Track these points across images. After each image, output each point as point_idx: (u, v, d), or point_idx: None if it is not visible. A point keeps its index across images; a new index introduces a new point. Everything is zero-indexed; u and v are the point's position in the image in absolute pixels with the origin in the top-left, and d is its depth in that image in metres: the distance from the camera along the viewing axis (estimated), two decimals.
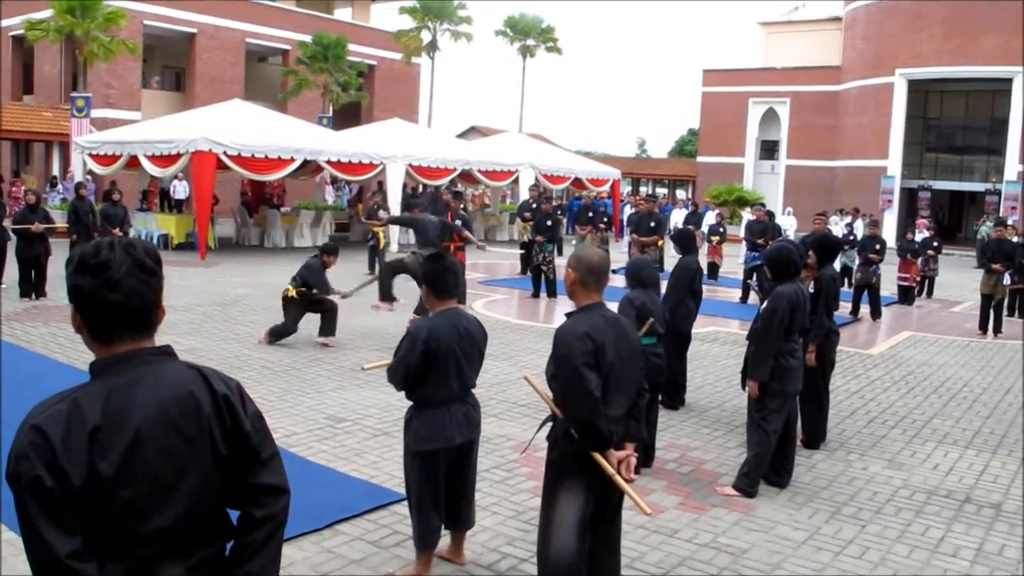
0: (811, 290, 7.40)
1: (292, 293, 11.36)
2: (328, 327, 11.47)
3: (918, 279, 19.76)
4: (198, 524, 2.15)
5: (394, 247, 24.28)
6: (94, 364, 2.14)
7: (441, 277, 4.80)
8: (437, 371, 4.66)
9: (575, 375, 3.89)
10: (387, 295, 11.57)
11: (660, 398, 7.91)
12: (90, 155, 23.95)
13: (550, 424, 4.26)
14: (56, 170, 32.13)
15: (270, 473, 2.26)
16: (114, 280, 2.09)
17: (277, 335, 11.39)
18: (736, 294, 18.21)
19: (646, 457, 6.85)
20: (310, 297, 11.38)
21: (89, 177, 24.99)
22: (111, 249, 2.12)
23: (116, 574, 2.02)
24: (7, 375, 9.12)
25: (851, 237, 19.96)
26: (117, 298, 2.09)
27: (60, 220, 18.86)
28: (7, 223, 15.11)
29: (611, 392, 3.98)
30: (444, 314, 4.78)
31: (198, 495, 2.13)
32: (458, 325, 4.76)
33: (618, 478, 3.95)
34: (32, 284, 14.16)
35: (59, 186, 30.35)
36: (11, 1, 36.06)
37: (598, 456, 3.96)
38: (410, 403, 4.86)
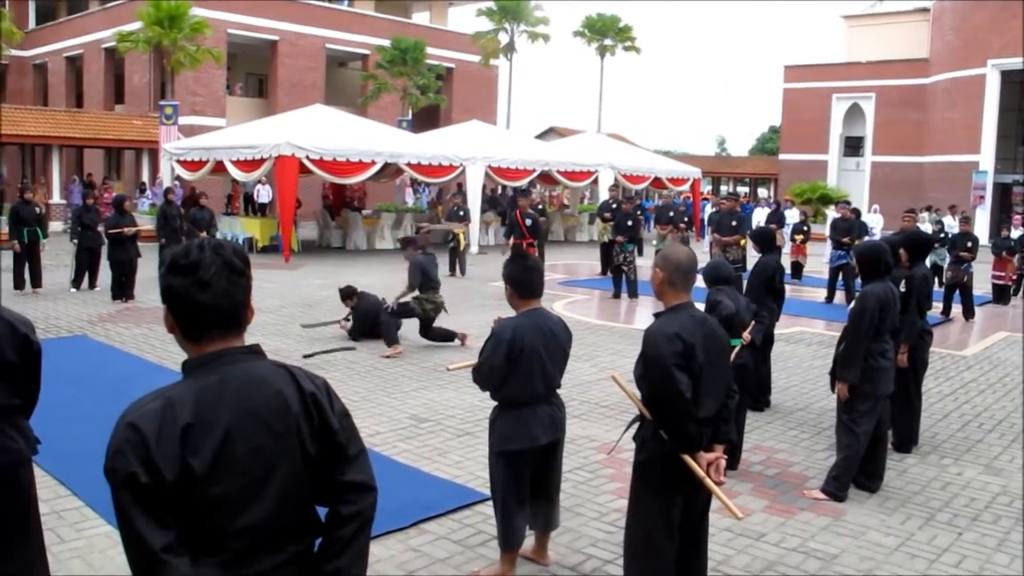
0: (902, 289, 7.21)
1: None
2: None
3: (1014, 277, 19.08)
4: (287, 520, 2.18)
5: (474, 248, 24.41)
6: (186, 363, 2.19)
7: (525, 277, 4.79)
8: (521, 371, 4.65)
9: (665, 376, 3.85)
10: (393, 340, 11.15)
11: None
12: (178, 161, 24.64)
13: (637, 425, 4.22)
14: (146, 176, 33.12)
15: (357, 470, 2.28)
16: (204, 280, 2.13)
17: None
18: (821, 294, 17.84)
19: (732, 459, 6.74)
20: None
21: (177, 183, 25.70)
22: (201, 250, 2.17)
23: (208, 568, 2.06)
24: (102, 374, 9.44)
25: (942, 235, 19.37)
26: (207, 298, 2.14)
27: (149, 225, 19.46)
28: (100, 228, 15.65)
29: (701, 393, 3.93)
30: (528, 314, 4.77)
31: (287, 492, 2.16)
32: (542, 325, 4.74)
33: (708, 481, 3.90)
34: (123, 287, 14.62)
35: (148, 192, 31.28)
36: (102, 14, 37.34)
37: (687, 458, 3.91)
38: (494, 404, 4.87)
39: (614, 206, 19.71)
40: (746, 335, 6.84)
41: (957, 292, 16.03)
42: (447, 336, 11.52)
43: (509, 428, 4.70)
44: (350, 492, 2.26)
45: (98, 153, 38.02)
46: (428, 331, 11.52)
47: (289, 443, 2.16)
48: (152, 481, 2.00)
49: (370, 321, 11.59)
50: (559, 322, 4.89)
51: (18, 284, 15.23)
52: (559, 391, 4.93)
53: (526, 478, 4.76)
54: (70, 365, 9.90)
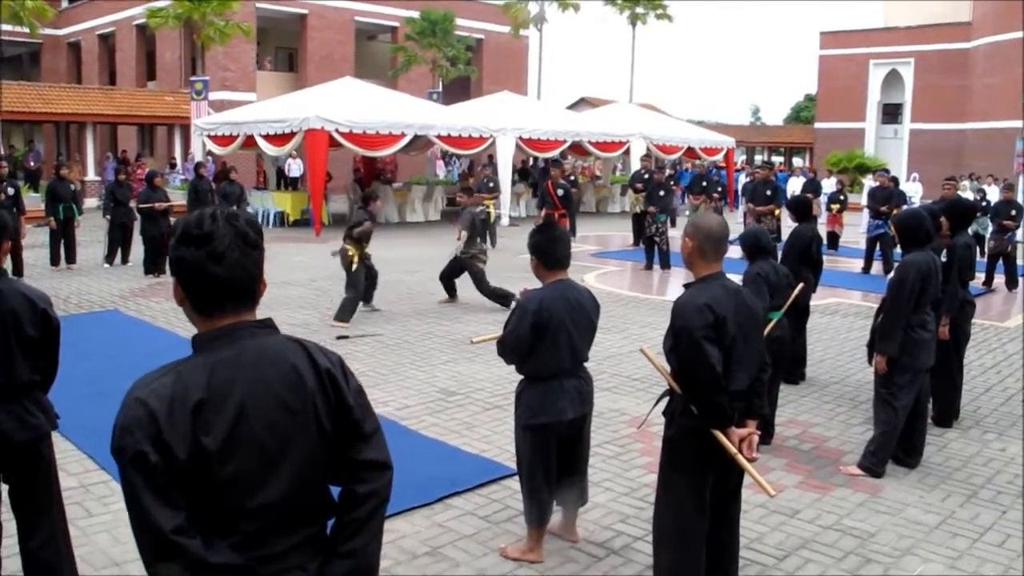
0: (943, 259, 6.99)
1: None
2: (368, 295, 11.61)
3: None
4: (302, 500, 2.11)
5: (505, 220, 24.30)
6: (197, 337, 2.11)
7: (551, 247, 4.68)
8: (547, 344, 4.55)
9: (695, 349, 3.74)
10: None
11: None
12: (209, 136, 24.70)
13: (667, 399, 4.12)
14: (178, 152, 33.26)
15: (372, 448, 2.21)
16: (218, 252, 2.04)
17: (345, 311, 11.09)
18: (858, 264, 17.54)
19: (765, 434, 6.61)
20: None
21: (209, 157, 25.78)
22: (214, 220, 2.07)
23: (220, 550, 1.98)
24: (133, 348, 9.47)
25: (984, 203, 18.95)
26: (220, 271, 2.04)
27: (181, 200, 19.52)
28: (132, 204, 15.72)
29: (732, 367, 3.82)
30: (555, 285, 4.67)
31: (302, 470, 2.09)
32: (569, 296, 4.64)
33: (740, 457, 3.79)
34: (155, 262, 14.69)
35: (179, 167, 31.41)
36: None
37: (718, 434, 3.81)
38: (521, 376, 4.78)
39: (646, 176, 19.56)
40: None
41: (1000, 262, 15.66)
42: (504, 297, 11.79)
43: (535, 402, 4.62)
44: (366, 471, 2.19)
45: (131, 130, 38.27)
46: (482, 284, 11.95)
47: (305, 420, 2.09)
48: (162, 460, 1.92)
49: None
50: (587, 293, 4.78)
51: (54, 260, 15.35)
52: (587, 364, 4.83)
53: (553, 453, 4.68)
54: (101, 339, 9.98)
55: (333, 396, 2.14)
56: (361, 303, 11.38)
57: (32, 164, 33.09)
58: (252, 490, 2.01)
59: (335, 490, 2.22)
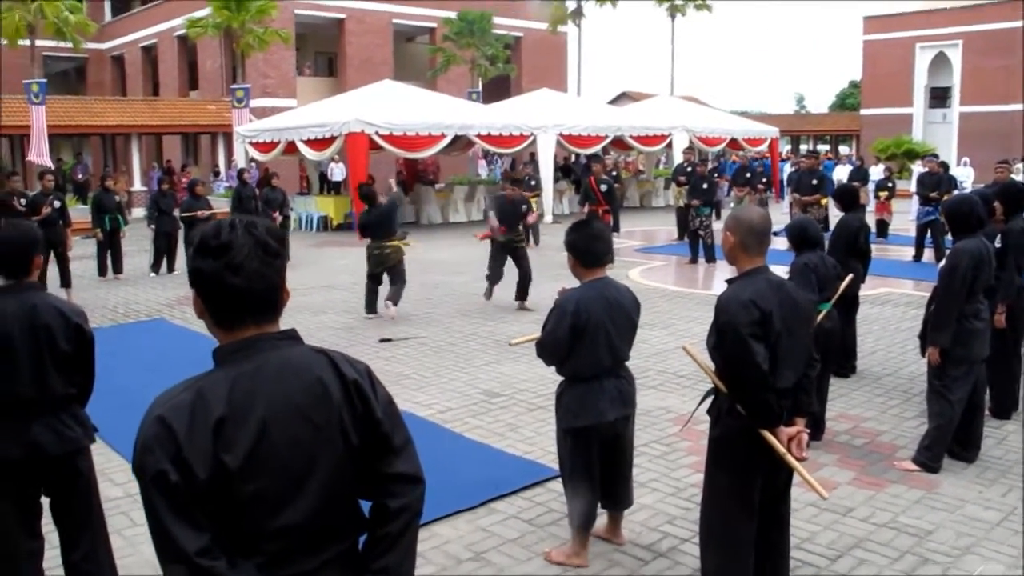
0: (997, 245, 6.77)
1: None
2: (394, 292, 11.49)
3: None
4: (330, 518, 2.05)
5: (548, 218, 24.21)
6: (217, 351, 2.06)
7: (588, 245, 4.60)
8: (587, 344, 4.48)
9: (740, 346, 3.65)
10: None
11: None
12: (251, 143, 24.93)
13: (712, 398, 4.04)
14: (221, 160, 33.64)
15: (403, 461, 2.14)
16: (236, 263, 1.98)
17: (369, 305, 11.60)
18: (908, 252, 17.19)
19: (816, 429, 6.46)
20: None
21: (252, 164, 26.01)
22: (232, 230, 2.02)
23: (246, 571, 1.93)
24: (178, 356, 9.53)
25: None
26: (239, 282, 1.99)
27: (226, 207, 19.70)
28: (176, 213, 15.90)
29: (779, 364, 3.72)
30: (592, 284, 4.59)
31: (329, 487, 2.03)
32: (608, 295, 4.56)
33: (789, 457, 3.70)
34: None
35: (222, 175, 31.73)
36: (174, 3, 37.89)
37: (766, 434, 3.71)
38: (561, 377, 4.72)
39: (689, 169, 19.40)
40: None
41: None
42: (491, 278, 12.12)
43: (575, 403, 4.55)
44: (397, 485, 2.13)
45: (175, 139, 38.78)
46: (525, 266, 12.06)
47: (330, 434, 2.03)
48: (183, 480, 1.87)
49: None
50: (626, 292, 4.71)
51: (101, 271, 15.59)
52: (631, 361, 4.76)
53: (595, 455, 4.61)
54: (147, 348, 10.09)
55: (360, 408, 2.08)
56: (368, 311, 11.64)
57: (80, 176, 33.63)
58: (276, 509, 1.96)
59: (366, 505, 2.16)
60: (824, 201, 16.79)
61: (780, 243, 7.28)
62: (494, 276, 12.13)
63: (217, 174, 32.82)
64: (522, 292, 11.95)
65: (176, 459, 1.88)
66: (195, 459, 1.88)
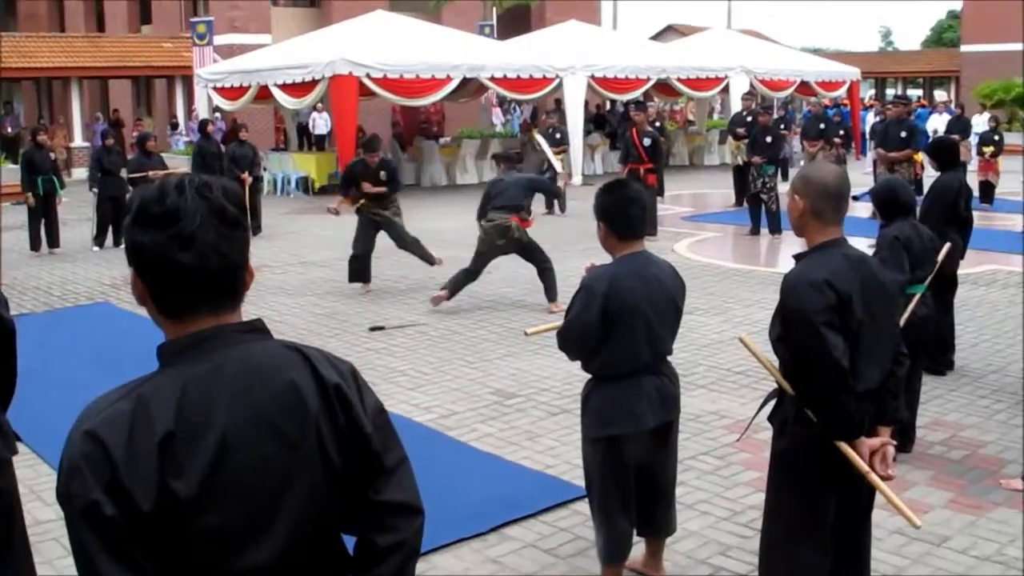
0: None
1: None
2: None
3: None
4: (305, 557, 2.01)
5: (576, 179, 24.17)
6: (163, 347, 2.00)
7: (623, 210, 4.57)
8: (620, 334, 4.45)
9: (812, 338, 3.61)
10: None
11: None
12: (215, 89, 25.04)
13: (775, 401, 4.01)
14: (180, 110, 33.71)
15: (397, 487, 2.10)
16: (186, 234, 1.91)
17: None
18: (1018, 221, 17.04)
19: (903, 439, 6.41)
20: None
21: (217, 115, 26.06)
22: (180, 193, 1.93)
23: None
24: (126, 347, 9.55)
25: None
26: (190, 259, 1.91)
27: (187, 165, 19.76)
28: (124, 173, 15.95)
29: (860, 360, 3.68)
30: (628, 259, 4.56)
31: (304, 519, 1.98)
32: (646, 274, 4.53)
33: (872, 476, 3.67)
34: None
35: (181, 127, 31.79)
36: None
37: (844, 446, 3.68)
38: (589, 375, 4.70)
39: (749, 119, 19.37)
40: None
41: None
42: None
43: (607, 407, 4.54)
44: (389, 516, 2.09)
45: (124, 85, 38.86)
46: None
47: (306, 453, 1.97)
48: (120, 512, 1.81)
49: None
50: (670, 269, 4.70)
51: (34, 244, 15.68)
52: (674, 356, 4.75)
53: (631, 471, 4.60)
54: (89, 336, 10.17)
55: (344, 420, 2.02)
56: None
57: (10, 129, 33.84)
58: (238, 547, 1.91)
59: (349, 540, 2.13)
60: (917, 158, 16.66)
61: (861, 209, 7.18)
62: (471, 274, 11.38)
63: (175, 126, 32.92)
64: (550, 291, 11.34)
65: (111, 486, 1.82)
66: (135, 486, 1.82)
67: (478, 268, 11.08)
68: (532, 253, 11.05)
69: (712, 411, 7.50)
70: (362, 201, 11.98)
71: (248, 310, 2.04)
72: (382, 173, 11.90)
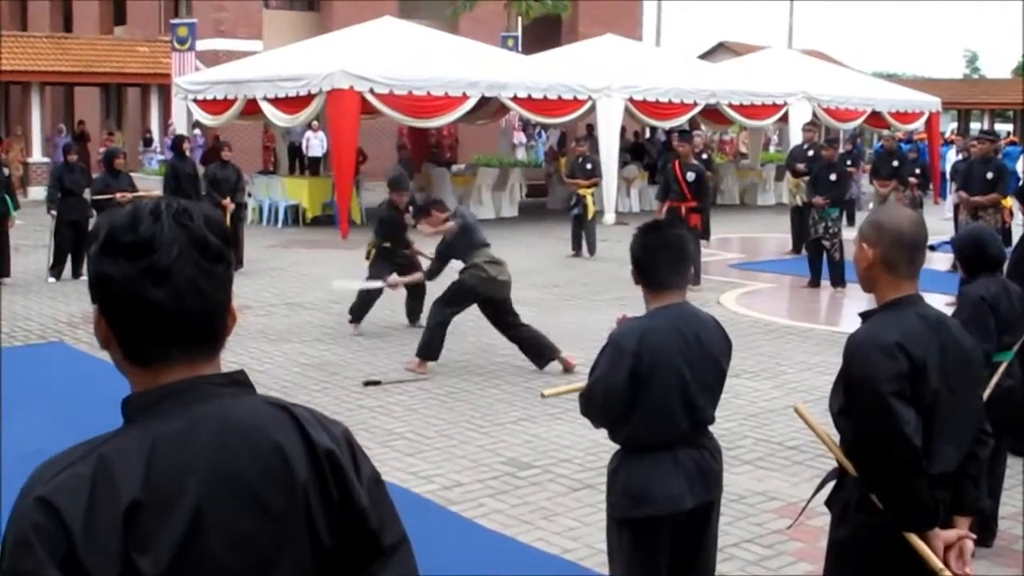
0: None
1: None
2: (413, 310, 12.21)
3: None
4: None
5: (609, 217, 24.21)
6: (130, 401, 1.98)
7: (658, 256, 4.57)
8: (653, 398, 4.44)
9: (880, 411, 3.60)
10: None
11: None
12: (195, 100, 25.19)
13: (835, 483, 4.01)
14: (155, 123, 33.96)
15: (396, 571, 2.09)
16: (161, 268, 1.90)
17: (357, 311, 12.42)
18: None
19: (984, 532, 6.37)
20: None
21: (197, 131, 26.23)
22: (155, 220, 1.92)
23: None
24: (83, 394, 9.57)
25: None
26: (164, 296, 1.90)
27: (158, 189, 19.85)
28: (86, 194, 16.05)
29: (936, 437, 3.67)
30: (664, 313, 4.55)
31: None
32: (684, 329, 4.52)
33: (947, 573, 3.63)
34: None
35: (155, 144, 32.01)
36: None
37: (914, 538, 3.65)
38: (617, 446, 4.68)
39: (811, 153, 19.37)
40: None
41: None
42: (542, 351, 10.93)
43: (637, 484, 4.50)
44: None
45: (92, 93, 39.25)
46: (505, 326, 11.02)
47: (292, 529, 1.96)
48: None
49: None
50: (712, 325, 4.68)
51: None
52: (716, 426, 4.73)
53: (663, 559, 4.55)
54: (41, 381, 10.23)
55: (336, 493, 2.00)
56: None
57: None
58: None
59: None
60: (1005, 203, 16.63)
61: (938, 262, 7.16)
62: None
63: (148, 142, 33.19)
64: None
65: (66, 562, 1.79)
66: (95, 562, 1.79)
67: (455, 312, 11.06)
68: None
69: (760, 491, 7.47)
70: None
71: (224, 358, 2.02)
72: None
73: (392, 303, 13.07)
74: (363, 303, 12.42)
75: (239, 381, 2.02)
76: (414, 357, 10.86)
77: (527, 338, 10.92)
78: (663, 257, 4.57)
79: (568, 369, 10.72)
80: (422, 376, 10.51)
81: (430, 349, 10.79)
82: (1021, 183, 12.23)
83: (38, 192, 27.99)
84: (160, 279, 1.89)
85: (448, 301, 10.88)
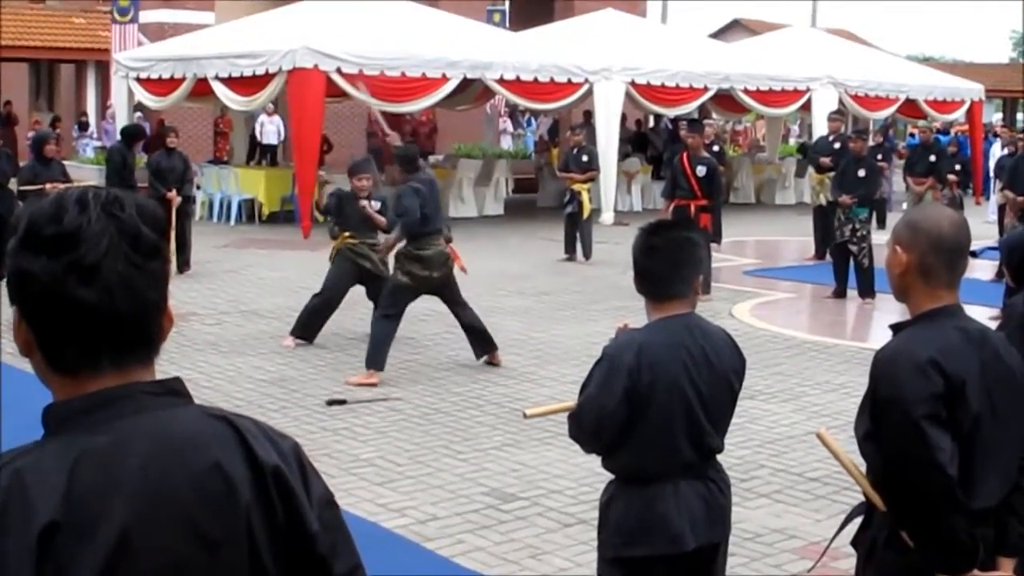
0: None
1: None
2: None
3: None
4: None
5: (607, 216, 24.25)
6: (50, 410, 1.96)
7: (660, 262, 4.57)
8: (652, 422, 4.43)
9: (911, 437, 3.60)
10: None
11: None
12: (138, 80, 25.12)
13: (861, 519, 4.01)
14: (91, 104, 33.88)
15: None
16: (88, 264, 1.89)
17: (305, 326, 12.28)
18: None
19: None
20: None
21: (140, 114, 26.19)
22: (82, 210, 1.92)
23: None
24: (13, 415, 9.54)
25: None
26: (91, 295, 1.90)
27: (97, 178, 19.83)
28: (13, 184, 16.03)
29: (976, 467, 3.67)
30: (666, 325, 4.55)
31: None
32: (689, 343, 4.50)
33: None
34: None
35: (92, 128, 31.94)
36: None
37: None
38: (611, 475, 4.68)
39: (837, 146, 19.42)
40: None
41: None
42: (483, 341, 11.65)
43: (631, 520, 4.50)
44: None
45: (19, 70, 39.13)
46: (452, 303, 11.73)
47: (232, 557, 1.95)
48: None
49: None
50: (722, 339, 4.67)
51: None
52: (724, 455, 4.73)
53: None
54: None
55: (283, 515, 2.00)
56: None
57: None
58: None
59: None
60: None
61: (981, 269, 7.17)
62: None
63: (84, 127, 33.12)
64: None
65: None
66: None
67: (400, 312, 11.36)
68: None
69: (777, 528, 7.48)
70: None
71: (166, 372, 2.02)
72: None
73: (360, 309, 13.08)
74: (312, 317, 12.35)
75: (175, 390, 2.02)
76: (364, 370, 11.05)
77: (475, 325, 11.46)
78: (668, 262, 4.55)
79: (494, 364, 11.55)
80: (394, 395, 10.50)
81: (377, 358, 11.01)
82: None
83: None
84: (87, 276, 1.89)
85: (387, 310, 11.18)
